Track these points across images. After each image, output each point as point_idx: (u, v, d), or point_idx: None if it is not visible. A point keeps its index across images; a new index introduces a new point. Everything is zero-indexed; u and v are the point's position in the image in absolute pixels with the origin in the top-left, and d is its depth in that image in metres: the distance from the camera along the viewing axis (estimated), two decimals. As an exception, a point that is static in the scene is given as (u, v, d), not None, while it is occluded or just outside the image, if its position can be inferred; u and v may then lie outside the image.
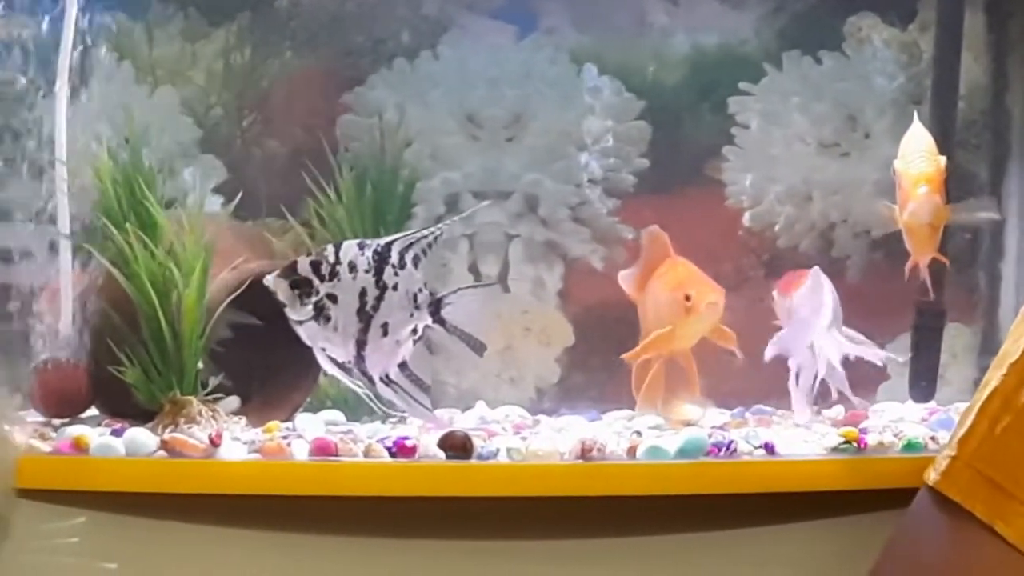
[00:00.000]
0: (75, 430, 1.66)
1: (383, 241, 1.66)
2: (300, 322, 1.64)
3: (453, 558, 1.63)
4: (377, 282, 1.64)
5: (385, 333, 1.65)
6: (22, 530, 1.58)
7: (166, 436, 1.63)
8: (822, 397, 1.83)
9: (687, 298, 1.80)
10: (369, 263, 1.64)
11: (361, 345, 1.64)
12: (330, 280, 1.63)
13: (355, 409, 1.88)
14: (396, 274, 1.65)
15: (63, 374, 1.80)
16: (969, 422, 1.41)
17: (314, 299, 1.63)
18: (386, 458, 1.62)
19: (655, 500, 1.61)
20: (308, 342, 1.65)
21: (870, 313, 1.91)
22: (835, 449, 1.67)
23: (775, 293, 1.90)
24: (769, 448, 1.68)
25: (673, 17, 2.23)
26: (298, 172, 1.96)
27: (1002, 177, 2.24)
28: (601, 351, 2.13)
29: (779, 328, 1.85)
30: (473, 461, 1.62)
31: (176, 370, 1.72)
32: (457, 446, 1.63)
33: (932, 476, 1.43)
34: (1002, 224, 2.22)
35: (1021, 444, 1.38)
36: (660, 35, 2.23)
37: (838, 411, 1.91)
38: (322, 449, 1.62)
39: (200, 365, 1.74)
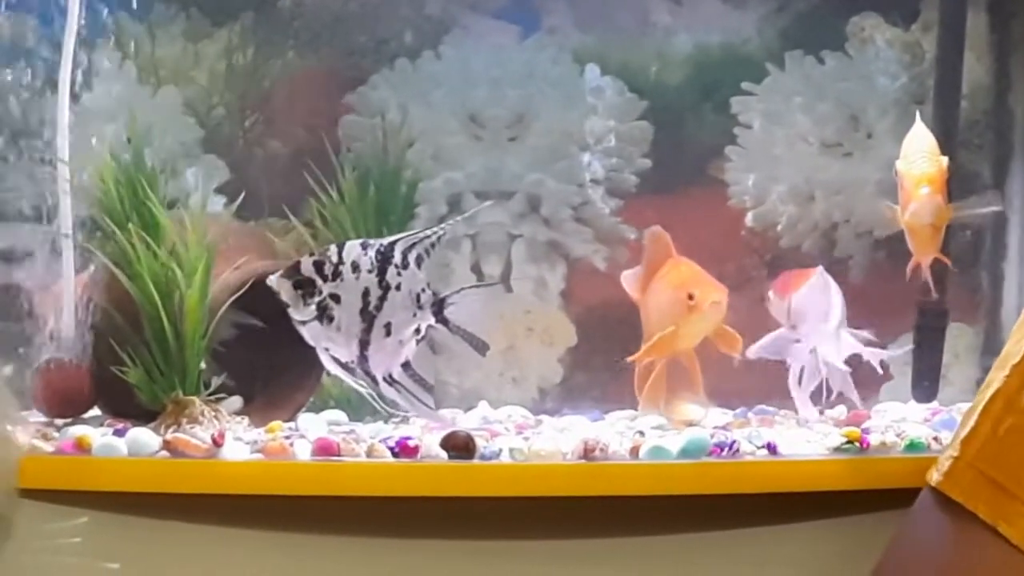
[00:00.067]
0: (78, 430, 1.66)
1: (386, 241, 1.66)
2: (303, 322, 1.64)
3: (455, 558, 1.63)
4: (380, 282, 1.64)
5: (388, 333, 1.65)
6: (25, 530, 1.58)
7: (168, 436, 1.63)
8: (825, 398, 1.83)
9: (690, 297, 1.80)
10: (372, 263, 1.64)
11: (364, 345, 1.64)
12: (333, 280, 1.63)
13: (357, 409, 1.88)
14: (399, 274, 1.65)
15: (66, 374, 1.80)
16: (972, 423, 1.42)
17: (317, 299, 1.63)
18: (388, 458, 1.62)
19: (657, 500, 1.61)
20: (311, 342, 1.65)
21: (872, 313, 1.91)
22: (838, 449, 1.67)
23: (771, 294, 1.90)
24: (771, 448, 1.68)
25: (676, 17, 2.23)
26: (300, 172, 1.96)
27: (1005, 177, 2.24)
28: (604, 351, 2.13)
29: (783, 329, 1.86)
30: (476, 461, 1.62)
31: (179, 370, 1.72)
32: (460, 446, 1.63)
33: (935, 477, 1.43)
34: (1004, 223, 2.22)
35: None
36: (663, 35, 2.23)
37: (840, 411, 1.91)
38: (324, 449, 1.62)
39: (203, 365, 1.74)
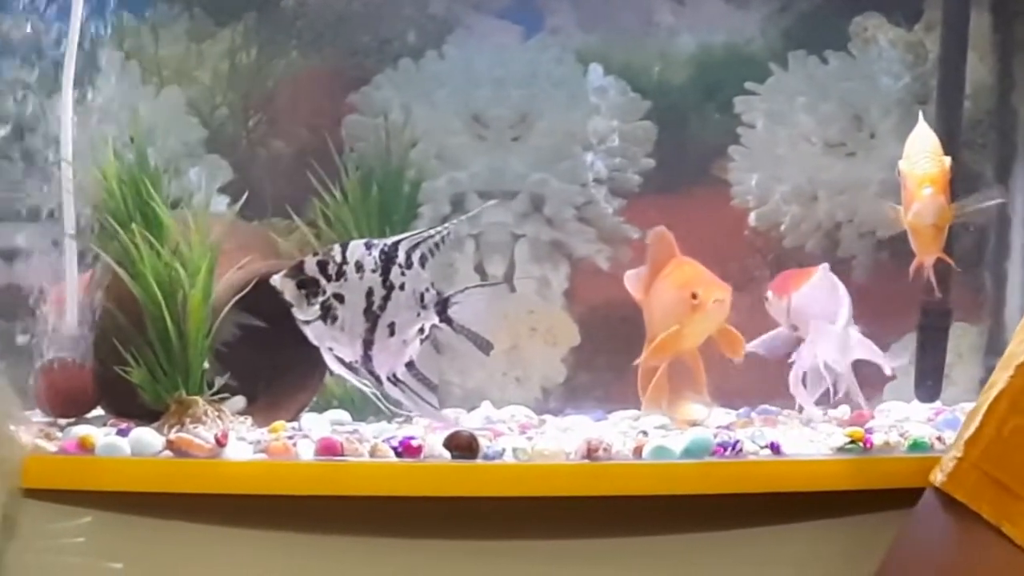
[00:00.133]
0: (81, 430, 1.66)
1: (390, 241, 1.66)
2: (307, 322, 1.64)
3: (459, 558, 1.63)
4: (384, 282, 1.64)
5: (392, 333, 1.65)
6: (28, 530, 1.58)
7: (172, 436, 1.63)
8: (832, 396, 1.83)
9: (694, 296, 1.80)
10: (376, 263, 1.64)
11: (368, 345, 1.64)
12: (337, 280, 1.63)
13: (361, 409, 1.88)
14: (403, 274, 1.65)
15: (69, 374, 1.80)
16: (975, 423, 1.41)
17: (321, 299, 1.63)
18: (392, 458, 1.62)
19: (661, 500, 1.61)
20: (315, 342, 1.65)
21: (876, 313, 1.91)
22: (841, 449, 1.67)
23: (769, 294, 1.90)
24: (775, 448, 1.68)
25: (679, 17, 2.23)
26: (304, 172, 1.96)
27: (1008, 177, 2.24)
28: (607, 351, 2.13)
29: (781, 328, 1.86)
30: (479, 461, 1.62)
31: (182, 370, 1.72)
32: (463, 446, 1.63)
33: (938, 477, 1.43)
34: (1008, 223, 2.22)
35: (1028, 445, 1.38)
36: (666, 35, 2.23)
37: (844, 411, 1.91)
38: (328, 449, 1.62)
39: (206, 365, 1.74)
